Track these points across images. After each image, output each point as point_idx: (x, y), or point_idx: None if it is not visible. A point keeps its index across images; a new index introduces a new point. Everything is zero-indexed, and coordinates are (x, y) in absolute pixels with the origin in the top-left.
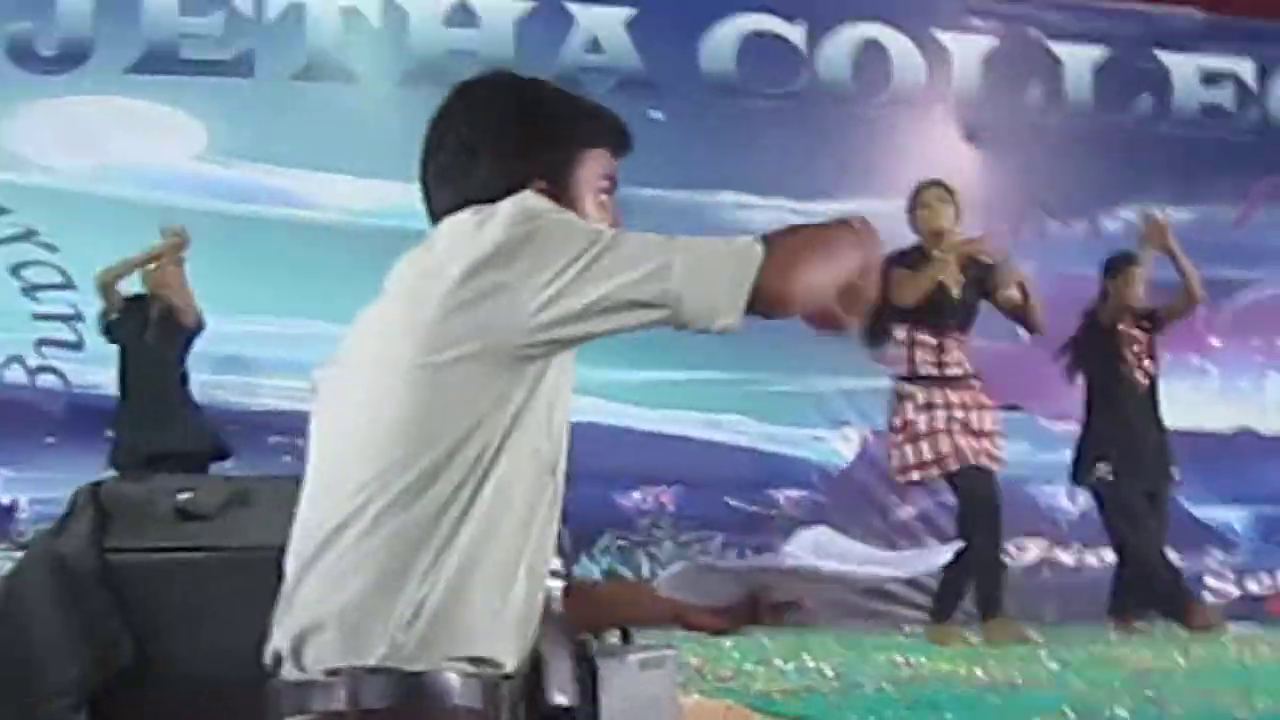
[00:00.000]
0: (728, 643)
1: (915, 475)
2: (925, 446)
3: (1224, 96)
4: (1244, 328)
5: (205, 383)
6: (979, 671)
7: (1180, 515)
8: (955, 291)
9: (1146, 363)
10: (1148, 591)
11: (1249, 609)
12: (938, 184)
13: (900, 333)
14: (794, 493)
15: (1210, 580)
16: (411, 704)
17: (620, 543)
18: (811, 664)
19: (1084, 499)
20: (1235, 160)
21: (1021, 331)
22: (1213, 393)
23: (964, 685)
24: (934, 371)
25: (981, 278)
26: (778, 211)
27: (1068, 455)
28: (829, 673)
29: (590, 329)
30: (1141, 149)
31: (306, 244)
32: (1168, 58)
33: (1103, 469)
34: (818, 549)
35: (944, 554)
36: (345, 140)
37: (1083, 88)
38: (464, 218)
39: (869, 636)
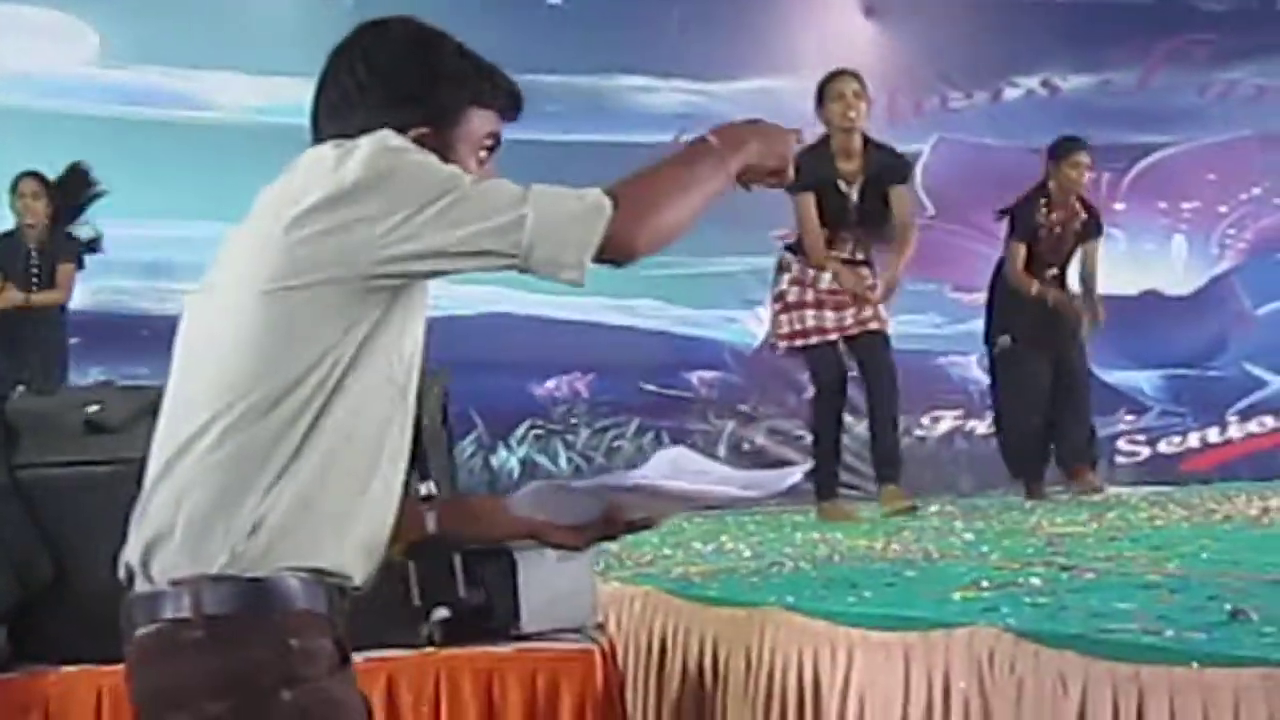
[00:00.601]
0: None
1: (798, 343)
2: (799, 316)
3: None
4: (1148, 191)
5: (114, 288)
6: (895, 546)
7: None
8: (854, 194)
9: (1070, 246)
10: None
11: (1161, 470)
12: (848, 75)
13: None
14: (707, 374)
15: (1122, 443)
16: (255, 608)
17: (537, 431)
18: (730, 545)
19: None
20: (1135, 24)
21: (928, 203)
22: (1118, 257)
23: (880, 560)
24: (824, 253)
25: (890, 175)
26: (679, 94)
27: (975, 326)
28: (747, 553)
29: (438, 268)
30: (1041, 17)
31: (207, 145)
32: None
33: (1004, 341)
34: (675, 469)
35: (796, 474)
36: (239, 38)
37: None
38: (326, 150)
39: (786, 514)
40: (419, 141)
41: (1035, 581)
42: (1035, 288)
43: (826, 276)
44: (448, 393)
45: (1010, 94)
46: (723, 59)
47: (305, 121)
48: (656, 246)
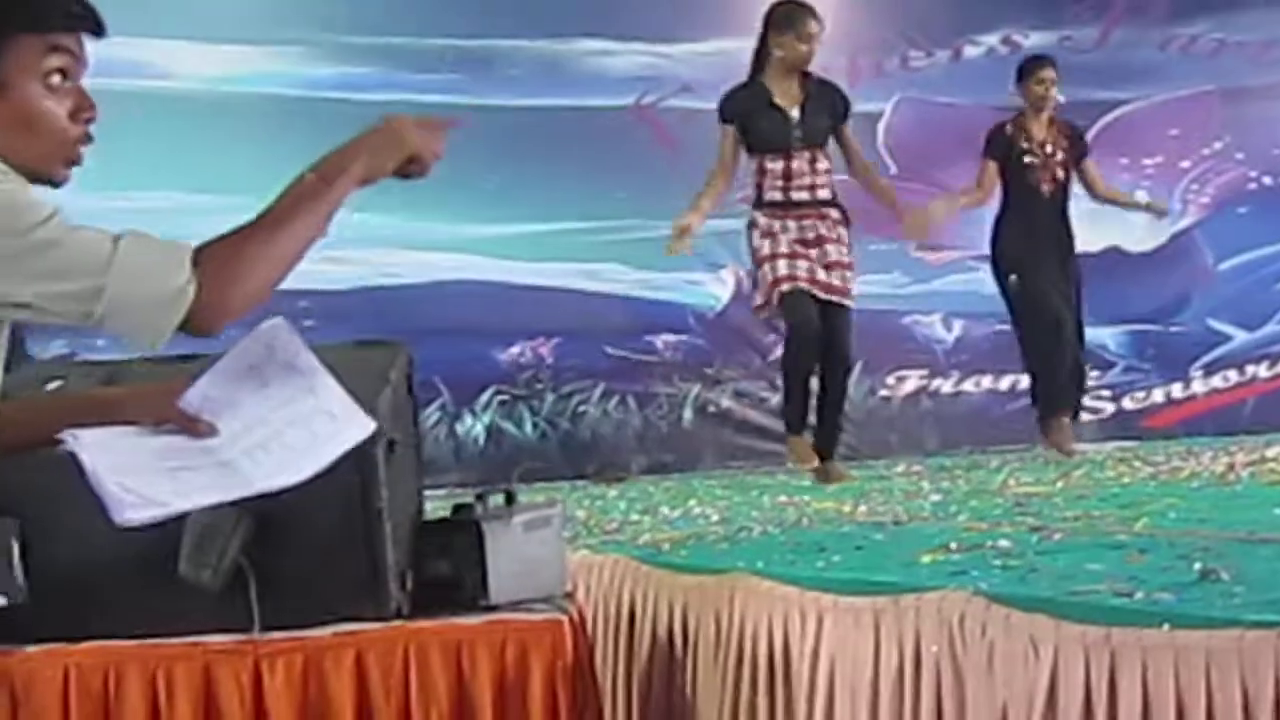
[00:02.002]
0: (613, 493)
1: (769, 294)
2: (773, 266)
3: None
4: (1109, 147)
5: None
6: (863, 508)
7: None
8: (794, 111)
9: (1058, 171)
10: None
11: (1126, 426)
12: (813, 14)
13: (752, 161)
14: (671, 337)
15: (1087, 400)
16: None
17: (502, 397)
18: (698, 510)
19: (960, 326)
20: None
21: (889, 161)
22: (1081, 213)
23: (848, 523)
24: (779, 197)
25: (831, 101)
26: (640, 56)
27: (940, 285)
28: (715, 518)
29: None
30: None
31: (161, 113)
32: None
33: (1013, 281)
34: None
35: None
36: (192, 5)
37: None
38: None
39: (753, 477)
40: None
41: (1004, 543)
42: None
43: (794, 225)
44: (412, 362)
45: (971, 52)
46: (683, 21)
47: (260, 89)
48: (241, 314)
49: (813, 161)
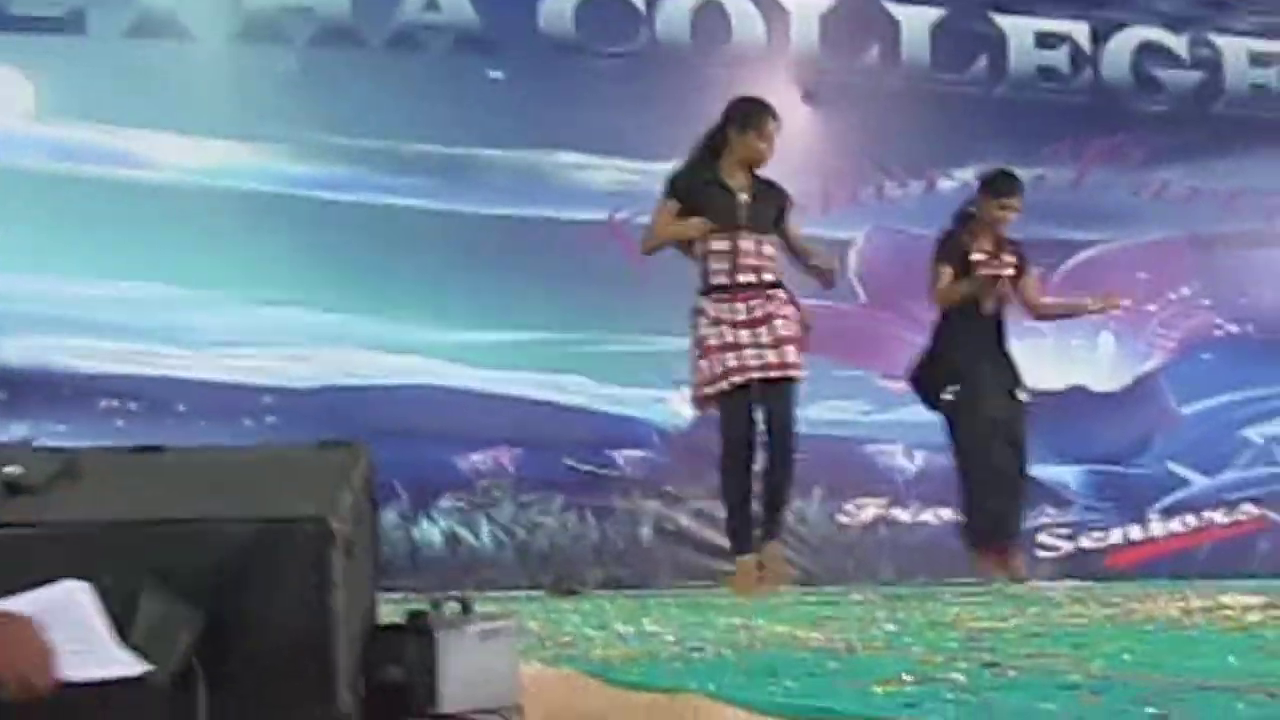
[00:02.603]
0: (567, 606)
1: (707, 390)
2: (720, 359)
3: (1059, 59)
4: (1078, 287)
5: (40, 345)
6: (816, 634)
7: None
8: (744, 196)
9: (1002, 287)
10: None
11: (1083, 566)
12: (770, 113)
13: (698, 246)
14: (634, 453)
15: (1044, 538)
16: None
17: (460, 504)
18: (652, 628)
19: (921, 458)
20: (1071, 122)
21: (859, 289)
22: (1047, 351)
23: (801, 649)
24: (724, 280)
25: (777, 195)
26: (617, 172)
27: (903, 414)
28: (669, 637)
29: None
30: (978, 110)
31: (141, 204)
32: (1004, 20)
33: (950, 392)
34: None
35: None
36: (178, 98)
37: (920, 48)
38: None
39: (708, 597)
40: None
41: (957, 678)
42: (963, 285)
43: (742, 307)
44: (374, 465)
45: (945, 185)
46: (661, 138)
47: (238, 184)
48: None
49: (759, 244)
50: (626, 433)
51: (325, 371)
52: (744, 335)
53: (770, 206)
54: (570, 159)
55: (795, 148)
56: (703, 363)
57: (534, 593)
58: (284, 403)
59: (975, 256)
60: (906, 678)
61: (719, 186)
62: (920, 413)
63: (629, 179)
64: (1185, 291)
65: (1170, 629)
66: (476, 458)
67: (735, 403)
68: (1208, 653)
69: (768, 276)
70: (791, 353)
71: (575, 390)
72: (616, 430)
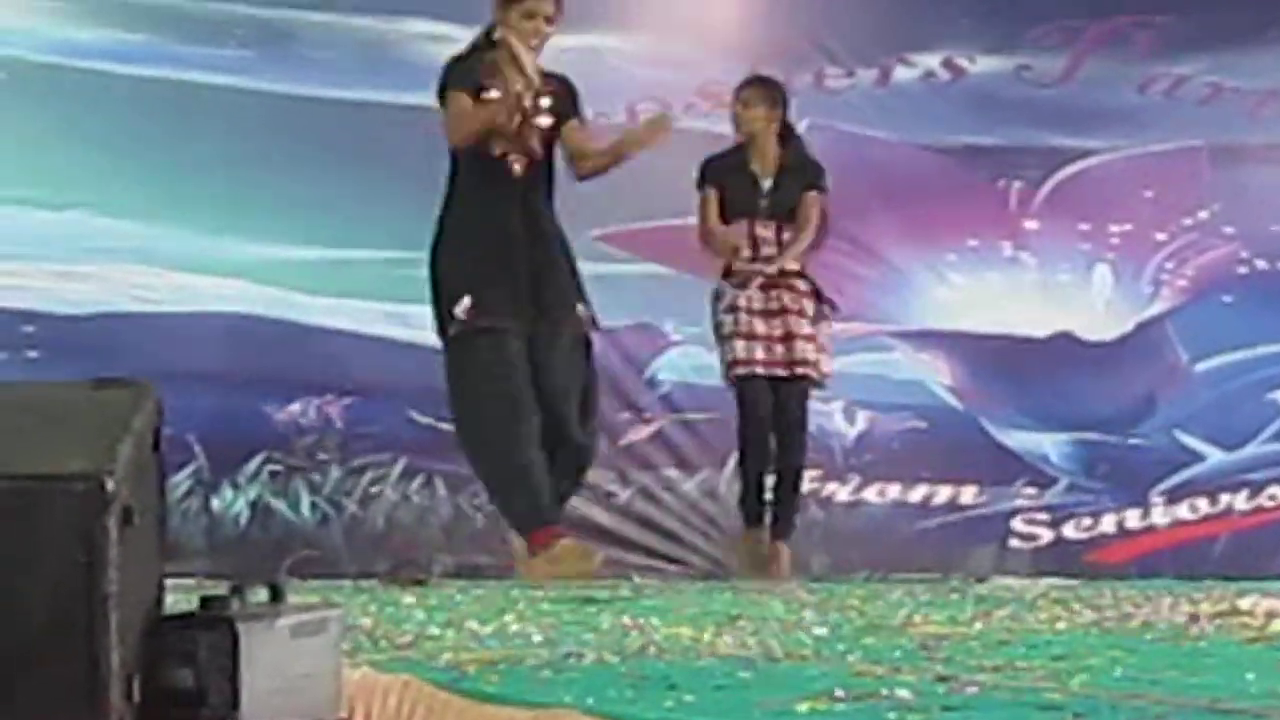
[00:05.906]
0: (409, 598)
1: (740, 372)
2: (729, 347)
3: None
4: (1068, 208)
5: None
6: (727, 638)
7: (983, 442)
8: (767, 182)
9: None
10: None
11: (1066, 559)
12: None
13: (731, 226)
14: None
15: (1018, 523)
16: None
17: (274, 468)
18: (516, 627)
19: (865, 419)
20: None
21: None
22: (1027, 288)
23: (707, 655)
24: (742, 267)
25: (802, 172)
26: None
27: (844, 365)
28: (537, 638)
29: None
30: None
31: None
32: None
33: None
34: None
35: None
36: None
37: None
38: None
39: (590, 591)
40: None
41: (903, 694)
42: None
43: (759, 296)
44: (162, 411)
45: (903, 75)
46: None
47: (5, 51)
48: None
49: (779, 231)
50: None
51: (102, 293)
52: (759, 326)
53: (794, 191)
54: (421, 27)
55: (711, 22)
56: (720, 348)
57: (366, 581)
58: (50, 332)
59: None
60: (839, 693)
61: (743, 174)
62: (863, 362)
63: None
64: (1202, 216)
65: (1173, 639)
66: (295, 408)
67: (750, 386)
68: (1218, 668)
69: (793, 265)
70: (804, 349)
71: (421, 324)
72: None
